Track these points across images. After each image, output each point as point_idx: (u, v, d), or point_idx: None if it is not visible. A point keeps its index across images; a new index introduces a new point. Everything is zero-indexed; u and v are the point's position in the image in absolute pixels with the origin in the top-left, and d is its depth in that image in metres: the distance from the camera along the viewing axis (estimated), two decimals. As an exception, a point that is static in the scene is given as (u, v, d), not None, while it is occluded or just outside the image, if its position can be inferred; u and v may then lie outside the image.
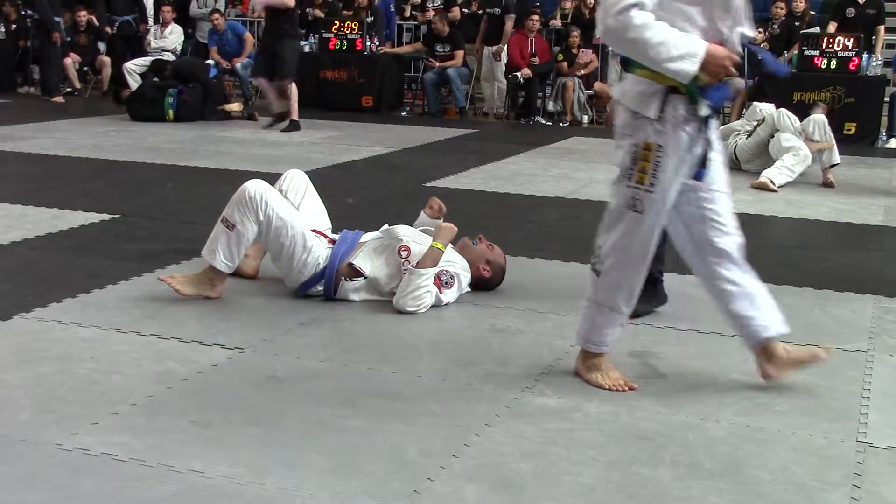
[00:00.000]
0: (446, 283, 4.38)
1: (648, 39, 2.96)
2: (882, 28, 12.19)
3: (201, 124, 10.98)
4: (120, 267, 4.89)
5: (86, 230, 5.79)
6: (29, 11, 14.26)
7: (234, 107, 12.05)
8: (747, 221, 6.63)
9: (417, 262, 4.32)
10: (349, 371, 3.61)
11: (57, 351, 3.70)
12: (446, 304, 4.39)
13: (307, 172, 4.89)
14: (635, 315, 4.43)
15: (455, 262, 4.49)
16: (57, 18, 13.99)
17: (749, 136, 8.68)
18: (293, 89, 10.74)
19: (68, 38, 14.46)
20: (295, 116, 10.83)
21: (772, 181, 7.97)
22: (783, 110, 8.60)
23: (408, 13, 15.24)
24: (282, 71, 10.56)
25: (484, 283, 4.65)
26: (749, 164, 8.60)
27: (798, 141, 8.24)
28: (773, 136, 8.40)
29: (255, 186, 4.28)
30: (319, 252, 4.37)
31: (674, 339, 4.10)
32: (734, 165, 8.82)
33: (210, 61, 13.52)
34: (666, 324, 4.28)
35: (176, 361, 3.62)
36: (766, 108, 8.68)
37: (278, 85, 10.78)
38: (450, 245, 4.48)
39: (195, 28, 14.59)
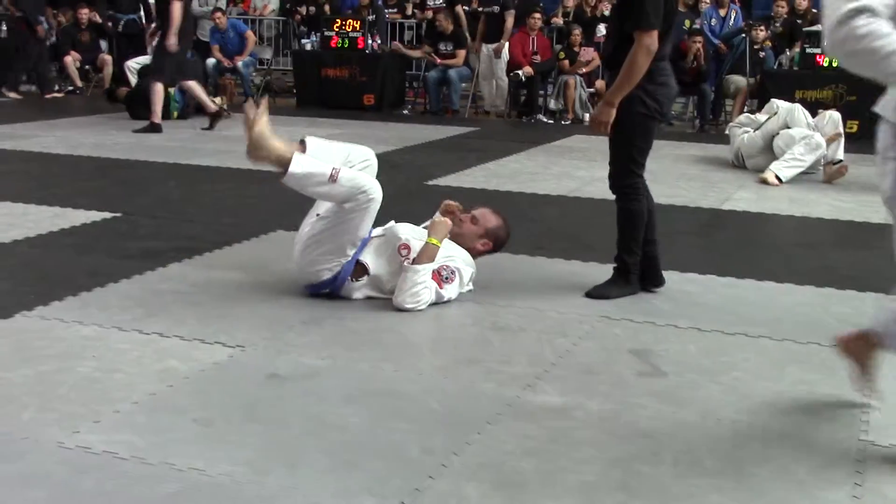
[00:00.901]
0: (447, 278, 4.38)
1: (878, 49, 2.53)
2: (885, 25, 12.16)
3: (203, 123, 10.97)
4: (122, 265, 4.89)
5: (87, 228, 5.79)
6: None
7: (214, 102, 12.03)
8: (749, 219, 6.70)
9: (413, 259, 4.32)
10: (350, 369, 3.61)
11: (58, 349, 3.70)
12: (448, 301, 4.38)
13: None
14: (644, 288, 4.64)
15: (455, 257, 4.49)
16: (41, 17, 13.98)
17: (757, 129, 8.68)
18: (156, 89, 10.35)
19: (54, 38, 14.48)
20: (157, 119, 10.36)
21: (777, 176, 7.98)
22: (798, 105, 8.64)
23: (409, 11, 15.23)
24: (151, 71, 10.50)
25: (495, 250, 4.71)
26: (752, 160, 8.61)
27: (809, 131, 8.26)
28: (780, 132, 8.40)
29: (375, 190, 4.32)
30: (345, 260, 4.37)
31: (674, 337, 4.10)
32: (738, 163, 8.83)
33: (211, 60, 13.53)
34: (667, 321, 4.27)
35: (177, 359, 3.62)
36: (781, 104, 8.71)
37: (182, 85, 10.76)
38: (447, 239, 4.48)
39: (196, 27, 14.58)
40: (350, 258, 4.34)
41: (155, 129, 10.26)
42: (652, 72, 4.38)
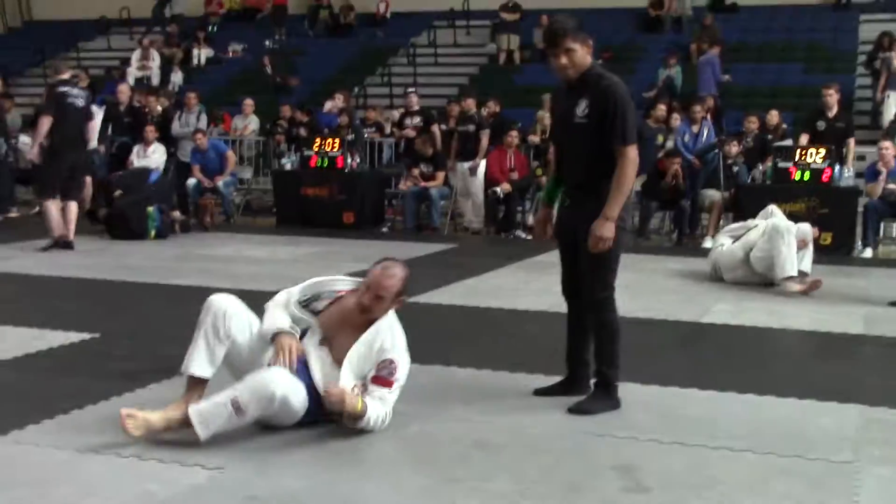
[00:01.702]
0: (389, 374, 4.25)
1: None
2: (852, 141, 12.44)
3: (183, 242, 11.00)
4: (100, 386, 4.84)
5: (66, 350, 5.75)
6: None
7: (176, 215, 12.14)
8: (729, 332, 6.72)
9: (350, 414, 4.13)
10: (331, 490, 3.56)
11: (33, 475, 3.63)
12: (425, 416, 4.28)
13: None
14: (544, 393, 4.74)
15: (386, 350, 4.32)
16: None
17: (735, 241, 8.80)
18: (46, 208, 10.24)
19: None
20: (55, 234, 10.17)
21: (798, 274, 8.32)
22: (773, 206, 9.10)
23: (388, 130, 15.47)
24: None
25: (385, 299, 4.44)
26: (731, 273, 8.68)
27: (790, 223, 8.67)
28: (759, 243, 8.58)
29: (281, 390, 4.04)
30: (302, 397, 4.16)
31: (658, 452, 4.07)
32: (716, 275, 8.90)
33: (192, 180, 13.63)
34: (649, 436, 4.25)
35: (156, 482, 3.56)
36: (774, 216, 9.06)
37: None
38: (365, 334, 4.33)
39: (177, 147, 14.75)
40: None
41: (61, 245, 10.14)
42: None
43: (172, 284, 8.29)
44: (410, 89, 15.51)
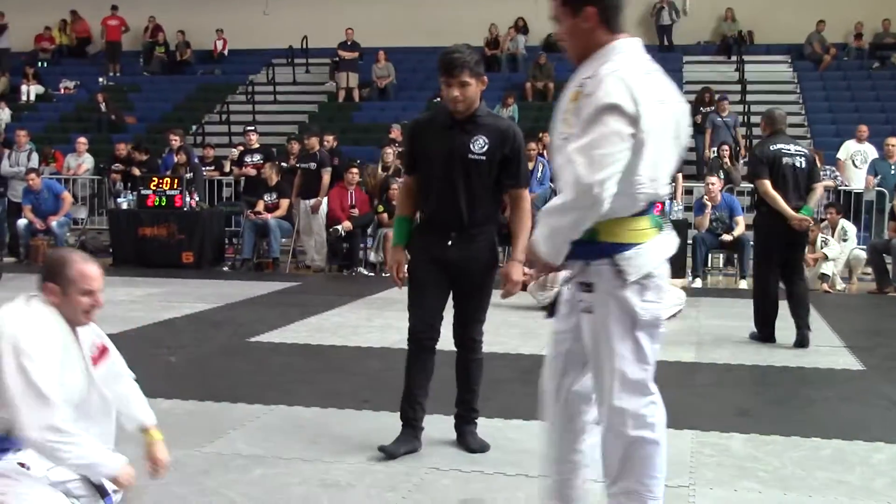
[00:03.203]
0: None
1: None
2: (680, 176, 13.00)
3: (14, 285, 10.57)
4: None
5: None
6: None
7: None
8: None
9: None
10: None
11: None
12: (271, 458, 4.27)
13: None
14: (391, 456, 4.47)
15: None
16: None
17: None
18: None
19: None
20: None
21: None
22: None
23: (227, 168, 15.30)
24: None
25: None
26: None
27: None
28: None
29: None
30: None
31: (503, 485, 4.13)
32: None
33: (23, 220, 13.17)
34: (495, 469, 4.31)
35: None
36: None
37: None
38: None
39: (7, 187, 14.22)
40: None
41: None
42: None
43: None
44: (250, 127, 15.38)
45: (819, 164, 13.43)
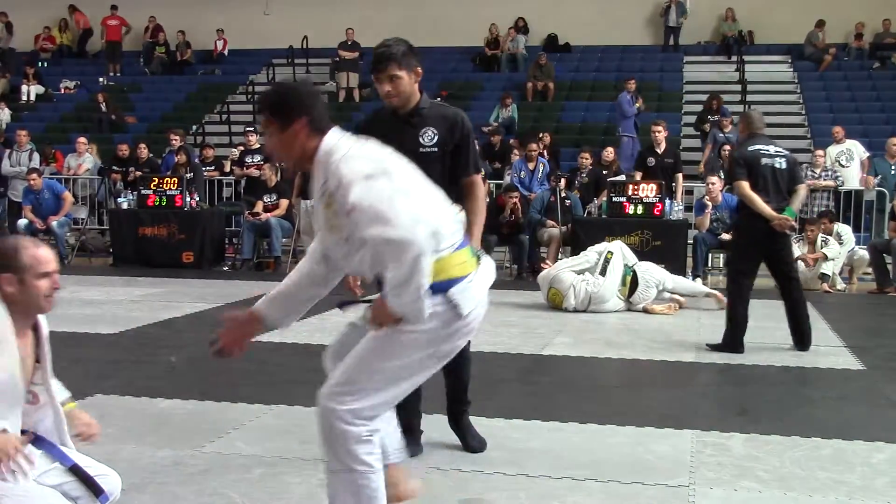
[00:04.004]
0: None
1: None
2: (680, 176, 12.98)
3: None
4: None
5: None
6: None
7: None
8: (570, 363, 6.87)
9: None
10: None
11: None
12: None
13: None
14: None
15: None
16: None
17: (604, 272, 9.15)
18: None
19: None
20: None
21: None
22: (619, 243, 9.74)
23: (227, 168, 15.30)
24: None
25: None
26: (607, 304, 9.08)
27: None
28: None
29: None
30: None
31: (504, 485, 4.13)
32: (582, 308, 9.15)
33: (23, 220, 13.18)
34: (495, 469, 4.31)
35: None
36: (602, 247, 9.54)
37: None
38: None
39: (7, 187, 14.23)
40: None
41: None
42: None
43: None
44: (250, 128, 15.38)
45: (819, 166, 13.59)
